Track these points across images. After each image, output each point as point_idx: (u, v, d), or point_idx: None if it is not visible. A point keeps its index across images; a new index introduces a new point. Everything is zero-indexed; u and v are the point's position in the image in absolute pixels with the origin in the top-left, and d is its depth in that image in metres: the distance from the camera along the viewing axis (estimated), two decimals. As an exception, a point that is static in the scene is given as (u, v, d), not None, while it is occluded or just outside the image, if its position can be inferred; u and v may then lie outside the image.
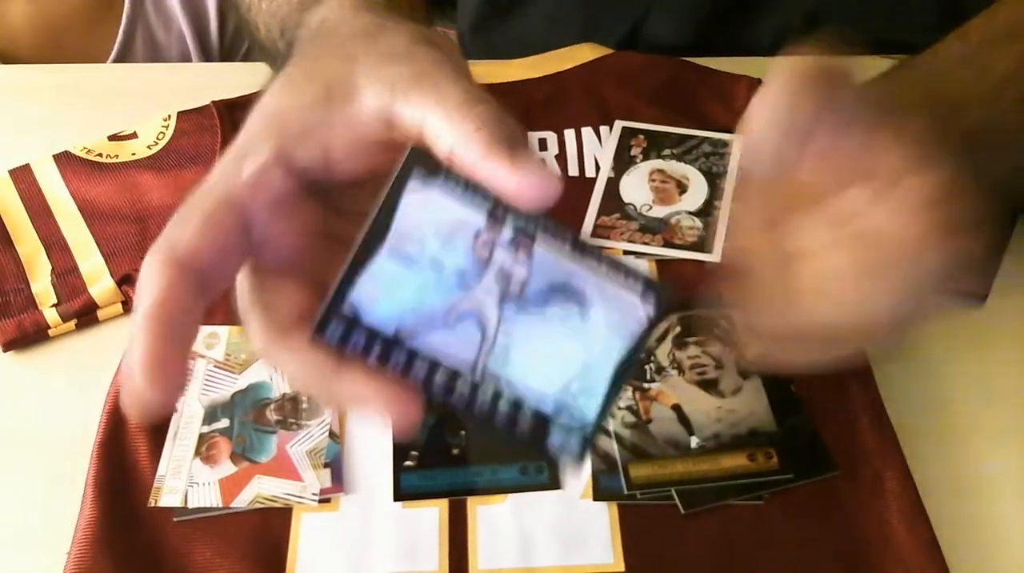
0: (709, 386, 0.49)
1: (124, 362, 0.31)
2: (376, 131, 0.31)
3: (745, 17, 0.72)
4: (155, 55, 0.87)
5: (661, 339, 0.51)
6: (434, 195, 0.29)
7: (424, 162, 0.29)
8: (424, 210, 0.29)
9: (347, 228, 0.32)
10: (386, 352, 0.28)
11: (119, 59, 0.85)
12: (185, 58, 0.88)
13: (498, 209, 0.29)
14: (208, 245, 0.30)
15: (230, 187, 0.31)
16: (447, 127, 0.30)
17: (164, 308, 0.29)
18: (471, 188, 0.29)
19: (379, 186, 0.30)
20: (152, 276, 0.29)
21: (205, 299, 0.30)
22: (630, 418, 0.48)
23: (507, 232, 0.29)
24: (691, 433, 0.47)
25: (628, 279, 0.30)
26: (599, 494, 0.45)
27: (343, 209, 0.33)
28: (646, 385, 0.49)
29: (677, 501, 0.44)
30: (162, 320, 0.29)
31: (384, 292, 0.29)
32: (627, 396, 0.49)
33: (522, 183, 0.29)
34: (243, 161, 0.31)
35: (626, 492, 0.45)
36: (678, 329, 0.51)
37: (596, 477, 0.46)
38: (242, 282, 0.32)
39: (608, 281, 0.30)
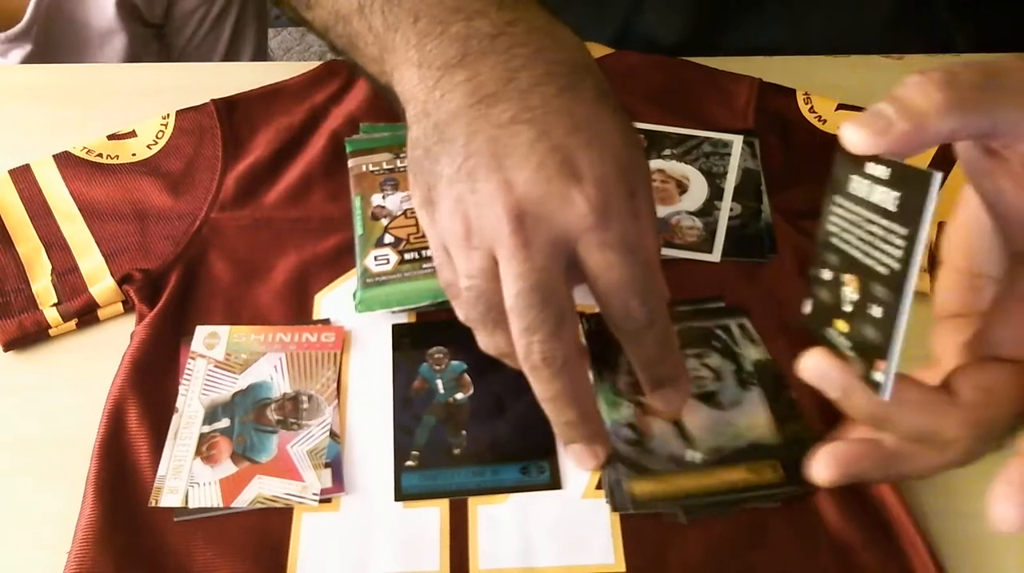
0: (708, 399, 0.48)
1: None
2: None
3: (733, 16, 0.72)
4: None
5: None
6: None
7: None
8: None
9: None
10: None
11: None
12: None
13: None
14: None
15: None
16: None
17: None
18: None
19: None
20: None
21: None
22: (630, 435, 0.47)
23: None
24: (692, 447, 0.46)
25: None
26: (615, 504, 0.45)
27: None
28: (644, 400, 0.48)
29: (682, 517, 0.44)
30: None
31: None
32: (627, 413, 0.48)
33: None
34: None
35: (632, 510, 0.45)
36: None
37: (611, 487, 0.45)
38: None
39: None
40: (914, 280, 0.30)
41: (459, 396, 0.49)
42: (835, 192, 0.35)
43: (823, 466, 0.35)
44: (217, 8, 0.94)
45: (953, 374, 0.34)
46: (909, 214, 0.30)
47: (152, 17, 0.88)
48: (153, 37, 0.91)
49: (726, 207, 0.57)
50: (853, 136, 0.32)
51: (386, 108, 0.61)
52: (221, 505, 0.45)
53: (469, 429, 0.48)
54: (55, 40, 0.84)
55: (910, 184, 0.30)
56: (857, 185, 0.33)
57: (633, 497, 0.45)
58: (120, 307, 0.54)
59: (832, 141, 0.33)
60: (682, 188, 0.58)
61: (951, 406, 0.33)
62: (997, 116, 0.32)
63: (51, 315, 0.52)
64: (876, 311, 0.32)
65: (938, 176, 0.29)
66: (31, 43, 0.82)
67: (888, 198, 0.31)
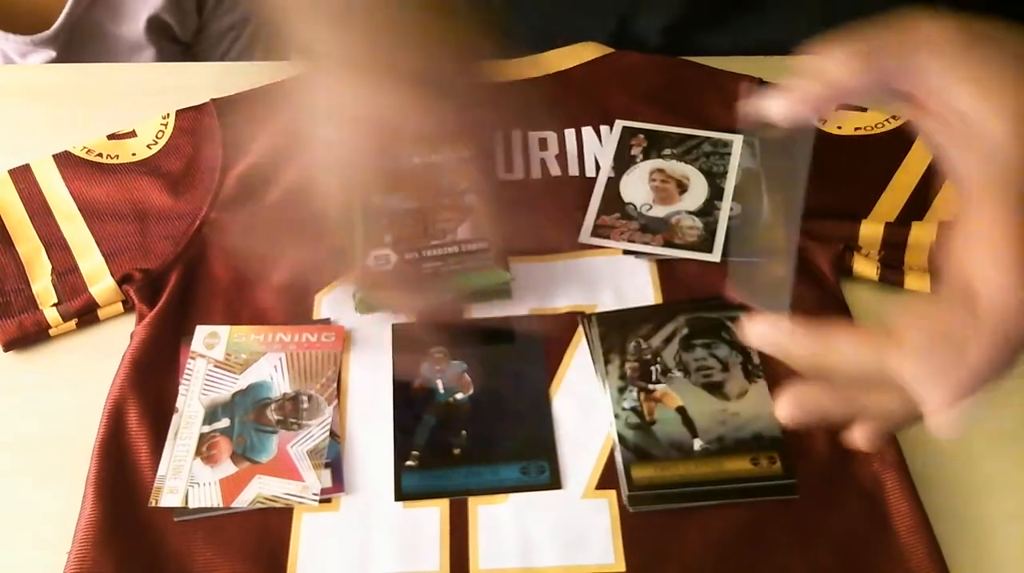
0: (714, 389, 0.49)
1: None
2: None
3: (732, 16, 0.72)
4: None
5: (667, 341, 0.51)
6: None
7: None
8: None
9: None
10: None
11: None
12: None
13: None
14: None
15: None
16: None
17: None
18: None
19: None
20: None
21: None
22: (634, 419, 0.48)
23: None
24: (695, 435, 0.47)
25: None
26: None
27: None
28: (651, 386, 0.49)
29: (627, 502, 0.45)
30: None
31: None
32: (631, 397, 0.49)
33: None
34: None
35: (627, 493, 0.45)
36: (685, 331, 0.51)
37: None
38: None
39: None
40: (797, 224, 0.35)
41: (459, 396, 0.49)
42: (763, 151, 0.40)
43: (786, 405, 0.36)
44: (251, 29, 0.93)
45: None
46: (798, 161, 0.35)
47: (183, 34, 0.88)
48: (181, 54, 0.91)
49: (726, 207, 0.57)
50: (772, 104, 0.35)
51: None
52: (221, 505, 0.45)
53: (469, 429, 0.48)
54: (79, 50, 0.83)
55: (800, 137, 0.35)
56: (771, 143, 0.37)
57: (632, 481, 0.45)
58: (120, 307, 0.54)
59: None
60: (682, 188, 0.58)
61: (890, 342, 0.34)
62: (911, 66, 0.33)
63: (51, 315, 0.52)
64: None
65: (811, 129, 0.33)
66: (55, 50, 0.82)
67: (787, 151, 0.36)
